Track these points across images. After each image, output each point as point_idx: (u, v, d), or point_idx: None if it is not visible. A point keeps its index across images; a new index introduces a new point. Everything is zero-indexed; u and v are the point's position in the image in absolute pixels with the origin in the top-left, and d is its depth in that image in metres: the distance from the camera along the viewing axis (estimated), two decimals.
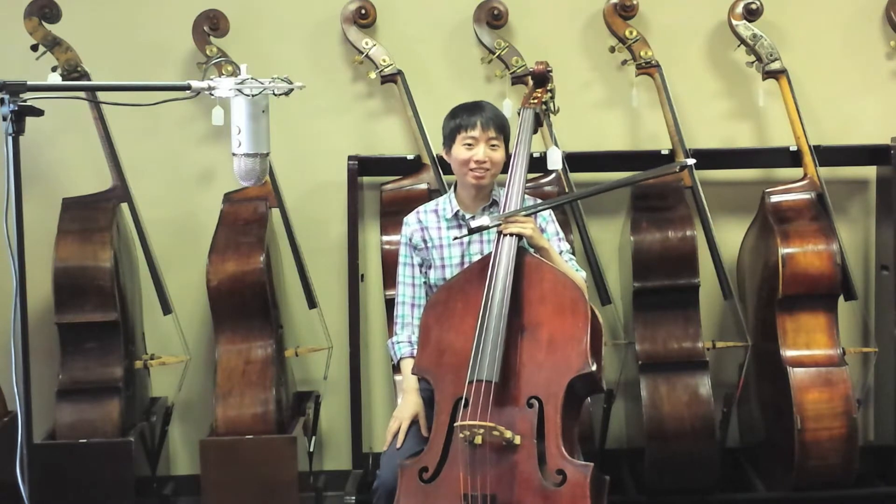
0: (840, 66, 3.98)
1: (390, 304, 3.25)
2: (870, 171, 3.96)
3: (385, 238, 3.64)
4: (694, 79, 3.97)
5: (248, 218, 3.70)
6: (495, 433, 2.56)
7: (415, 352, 2.92)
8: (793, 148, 3.79)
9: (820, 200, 3.71)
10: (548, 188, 3.72)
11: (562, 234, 3.03)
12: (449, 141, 2.96)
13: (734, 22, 3.78)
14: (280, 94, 2.40)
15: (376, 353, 4.01)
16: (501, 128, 2.94)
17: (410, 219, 3.08)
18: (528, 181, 3.02)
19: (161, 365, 3.83)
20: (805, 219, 3.65)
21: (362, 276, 3.89)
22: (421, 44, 3.95)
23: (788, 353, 3.57)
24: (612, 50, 3.83)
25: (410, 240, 3.05)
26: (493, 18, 3.82)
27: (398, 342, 3.00)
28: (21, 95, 2.23)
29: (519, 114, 3.10)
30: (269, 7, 3.95)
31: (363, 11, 3.83)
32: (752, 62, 3.78)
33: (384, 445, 2.88)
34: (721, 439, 3.73)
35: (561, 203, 3.44)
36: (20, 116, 2.23)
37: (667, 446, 3.56)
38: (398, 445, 2.82)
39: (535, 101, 3.11)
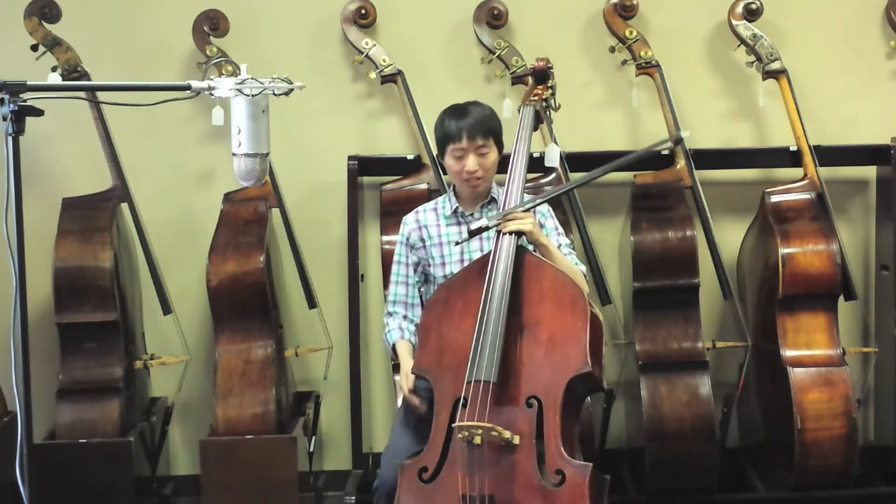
0: (840, 66, 3.98)
1: None
2: (870, 171, 3.96)
3: (385, 238, 3.64)
4: (694, 79, 3.96)
5: (248, 218, 3.70)
6: (494, 433, 2.55)
7: (405, 335, 2.97)
8: (793, 148, 3.79)
9: (820, 200, 3.71)
10: (548, 188, 3.71)
11: (561, 230, 3.03)
12: (440, 150, 2.97)
13: (734, 22, 3.78)
14: (280, 94, 2.40)
15: (376, 353, 4.01)
16: (489, 130, 2.91)
17: (409, 218, 3.08)
18: (527, 181, 3.01)
19: (161, 365, 3.83)
20: (805, 219, 3.65)
21: (362, 276, 3.89)
22: (421, 44, 3.95)
23: (788, 353, 3.57)
24: (612, 50, 3.83)
25: (408, 239, 3.05)
26: (493, 18, 3.81)
27: (389, 331, 3.03)
28: (21, 95, 2.23)
29: (519, 111, 3.08)
30: (269, 7, 3.95)
31: (363, 11, 3.83)
32: (752, 62, 3.78)
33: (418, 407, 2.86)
34: (721, 439, 3.73)
35: (559, 193, 3.41)
36: (20, 116, 2.23)
37: (667, 446, 3.55)
38: (423, 410, 2.83)
39: (536, 97, 3.09)
